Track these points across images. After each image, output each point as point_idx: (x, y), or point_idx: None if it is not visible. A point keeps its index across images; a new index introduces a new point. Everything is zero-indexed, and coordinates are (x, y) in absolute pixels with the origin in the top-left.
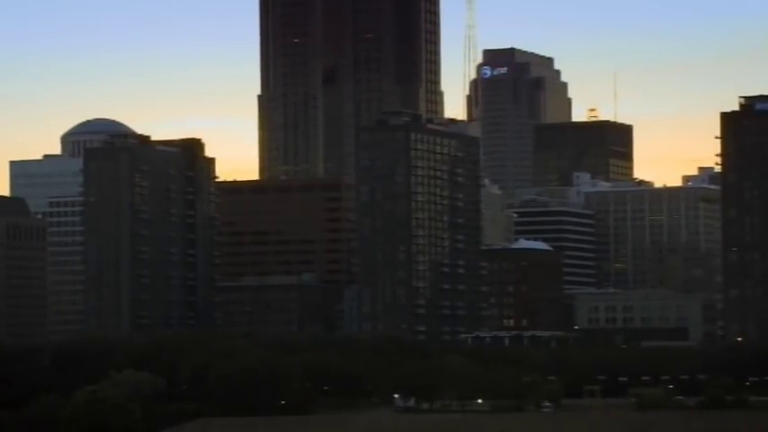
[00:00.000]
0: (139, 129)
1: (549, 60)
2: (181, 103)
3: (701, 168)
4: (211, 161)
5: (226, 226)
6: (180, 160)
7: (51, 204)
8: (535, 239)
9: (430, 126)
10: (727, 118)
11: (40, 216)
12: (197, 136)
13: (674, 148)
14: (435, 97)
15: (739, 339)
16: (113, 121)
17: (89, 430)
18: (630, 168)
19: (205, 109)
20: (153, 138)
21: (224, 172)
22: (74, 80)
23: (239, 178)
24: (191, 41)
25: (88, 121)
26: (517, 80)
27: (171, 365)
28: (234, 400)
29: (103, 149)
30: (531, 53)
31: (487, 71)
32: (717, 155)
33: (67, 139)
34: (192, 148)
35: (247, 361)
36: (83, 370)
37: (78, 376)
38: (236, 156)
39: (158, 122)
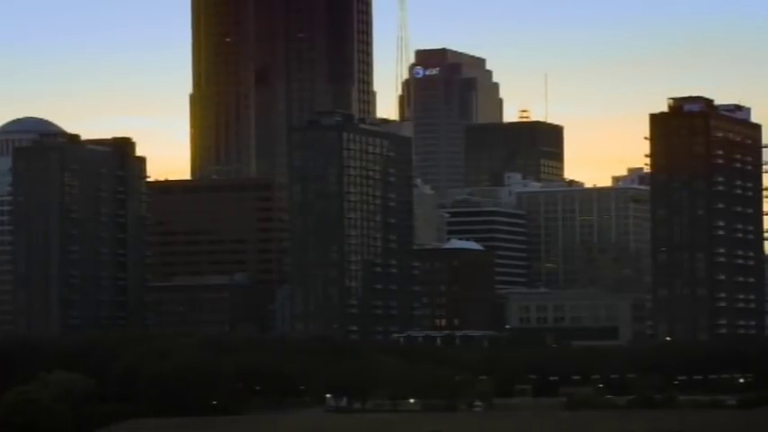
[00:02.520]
0: (69, 128)
1: (481, 61)
2: (111, 102)
3: (630, 169)
4: (142, 160)
5: (157, 226)
6: (110, 160)
7: None
8: (467, 239)
9: (362, 126)
10: (655, 119)
11: None
12: (128, 135)
13: (604, 149)
14: (368, 97)
15: (668, 339)
16: (43, 120)
17: (19, 431)
18: (561, 169)
19: (136, 108)
20: (83, 137)
21: (155, 171)
22: (3, 78)
23: (171, 178)
24: (121, 40)
25: (17, 120)
26: (449, 80)
27: (102, 366)
28: (165, 400)
29: (33, 148)
30: (463, 54)
31: (420, 71)
32: (646, 155)
33: None
34: (122, 147)
35: (179, 361)
36: (12, 371)
37: (8, 377)
38: (168, 155)
39: (88, 121)
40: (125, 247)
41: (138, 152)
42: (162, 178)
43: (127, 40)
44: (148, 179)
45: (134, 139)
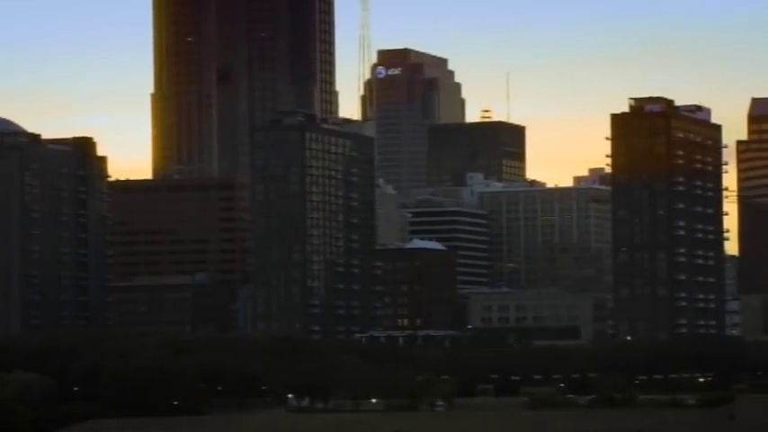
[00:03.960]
0: (30, 127)
1: (443, 61)
2: (72, 102)
3: (591, 169)
4: (103, 160)
5: (118, 225)
6: (71, 159)
7: None
8: (429, 239)
9: (325, 126)
10: (617, 119)
11: None
12: (89, 135)
13: (566, 149)
14: (330, 97)
15: (629, 338)
16: (3, 119)
17: None
18: (523, 169)
19: (97, 107)
20: (44, 136)
21: (117, 171)
22: None
23: (132, 177)
24: (82, 38)
25: None
26: (411, 80)
27: (63, 366)
28: (126, 400)
29: None
30: (426, 54)
31: (382, 71)
32: (607, 156)
33: None
34: (83, 146)
35: (140, 361)
36: None
37: None
38: (129, 155)
39: (49, 121)
40: (86, 246)
41: (100, 152)
42: (123, 178)
43: (88, 40)
44: (110, 179)
45: (95, 139)
